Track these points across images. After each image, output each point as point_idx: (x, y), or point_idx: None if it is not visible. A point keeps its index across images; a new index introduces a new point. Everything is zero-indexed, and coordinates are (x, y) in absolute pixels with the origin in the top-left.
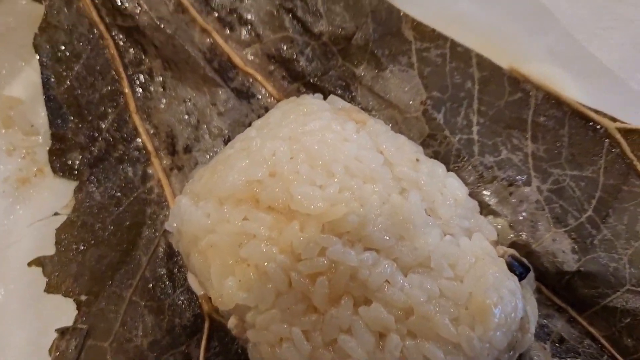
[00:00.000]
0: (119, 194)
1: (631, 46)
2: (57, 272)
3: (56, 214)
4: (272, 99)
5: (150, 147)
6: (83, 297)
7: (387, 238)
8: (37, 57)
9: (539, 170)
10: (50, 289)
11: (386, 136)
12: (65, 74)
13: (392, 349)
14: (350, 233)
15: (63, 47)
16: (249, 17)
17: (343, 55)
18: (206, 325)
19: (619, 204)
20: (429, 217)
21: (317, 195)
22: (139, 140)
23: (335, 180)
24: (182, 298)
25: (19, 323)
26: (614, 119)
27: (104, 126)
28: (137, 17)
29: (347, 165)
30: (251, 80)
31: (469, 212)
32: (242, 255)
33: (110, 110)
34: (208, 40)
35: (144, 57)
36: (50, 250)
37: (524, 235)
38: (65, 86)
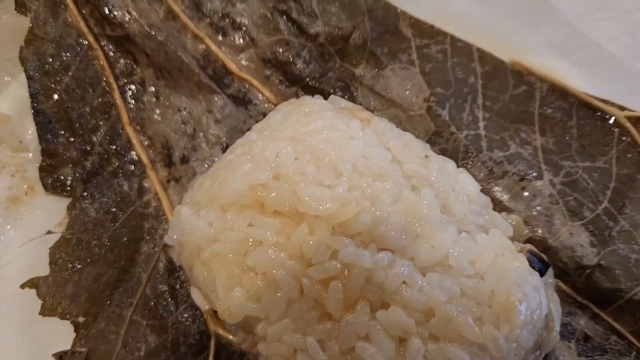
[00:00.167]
0: (114, 209)
1: (630, 35)
2: (53, 294)
3: (49, 232)
4: (270, 104)
5: (145, 159)
6: (81, 319)
7: (403, 237)
8: (24, 70)
9: (550, 163)
10: (45, 311)
11: (392, 134)
12: (53, 87)
13: (414, 354)
14: (362, 234)
15: (51, 60)
16: (242, 21)
17: (341, 56)
18: (212, 342)
19: (635, 194)
20: (443, 214)
21: (326, 195)
22: (133, 152)
23: (344, 179)
24: (185, 315)
25: (14, 350)
26: (622, 108)
27: (96, 140)
28: (126, 25)
29: (354, 164)
30: (247, 86)
31: (482, 209)
32: (248, 263)
33: (102, 122)
34: (201, 46)
35: (135, 66)
36: (44, 270)
37: (539, 231)
38: (54, 99)
